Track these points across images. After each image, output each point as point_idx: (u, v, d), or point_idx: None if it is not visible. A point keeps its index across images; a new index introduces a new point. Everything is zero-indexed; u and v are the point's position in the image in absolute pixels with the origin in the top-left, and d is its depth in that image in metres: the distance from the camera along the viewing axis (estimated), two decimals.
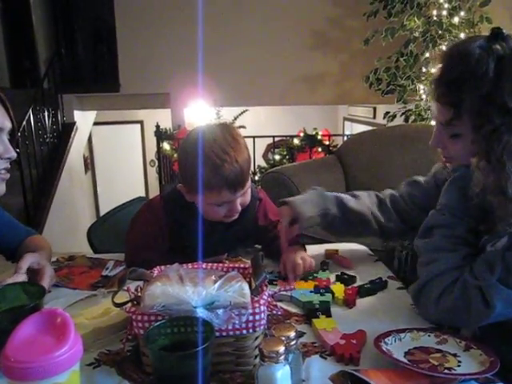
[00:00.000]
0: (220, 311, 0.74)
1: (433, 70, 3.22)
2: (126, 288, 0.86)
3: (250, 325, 0.77)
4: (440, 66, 0.98)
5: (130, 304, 0.82)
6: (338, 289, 1.08)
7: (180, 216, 1.22)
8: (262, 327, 0.79)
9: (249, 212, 1.25)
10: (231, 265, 0.98)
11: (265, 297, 0.80)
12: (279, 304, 1.02)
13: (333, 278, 1.17)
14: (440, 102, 0.96)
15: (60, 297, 1.11)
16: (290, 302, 1.06)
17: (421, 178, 1.25)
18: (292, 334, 0.71)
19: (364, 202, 1.27)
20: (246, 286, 0.77)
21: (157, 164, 5.73)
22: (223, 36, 4.89)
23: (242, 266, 0.97)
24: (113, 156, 7.71)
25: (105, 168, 7.75)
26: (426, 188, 1.22)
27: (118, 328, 0.92)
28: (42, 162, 4.53)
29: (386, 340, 0.85)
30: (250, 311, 0.76)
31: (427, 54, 3.22)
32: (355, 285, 1.12)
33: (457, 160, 1.01)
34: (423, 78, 3.26)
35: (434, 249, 0.96)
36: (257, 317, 0.77)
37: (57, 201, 4.55)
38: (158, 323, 0.72)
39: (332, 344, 0.85)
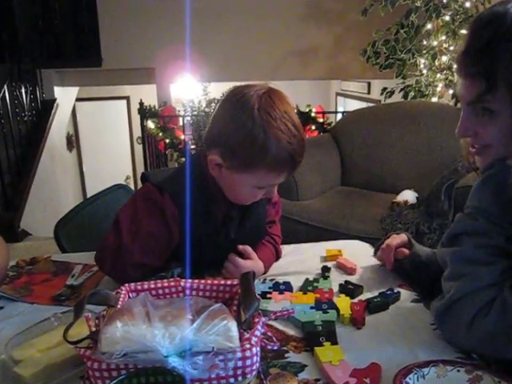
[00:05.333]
0: (199, 359, 0.57)
1: (435, 43, 3.01)
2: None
3: (239, 372, 0.60)
4: (467, 35, 0.78)
5: (87, 341, 0.65)
6: (343, 304, 0.92)
7: (195, 199, 0.96)
8: (253, 373, 0.62)
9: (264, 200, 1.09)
10: (215, 282, 0.80)
11: (258, 332, 0.63)
12: (274, 324, 0.85)
13: (335, 287, 1.01)
14: (468, 75, 0.77)
15: (14, 315, 0.94)
16: (287, 320, 0.89)
17: None
18: None
19: None
20: (233, 326, 0.59)
21: None
22: (211, 8, 4.60)
23: (228, 283, 0.80)
24: (98, 133, 7.46)
25: (90, 146, 7.51)
26: None
27: (78, 362, 0.74)
28: (21, 141, 4.29)
29: (408, 380, 0.69)
30: (239, 355, 0.59)
31: (429, 26, 2.99)
32: (362, 297, 0.96)
33: (493, 147, 0.80)
34: (424, 52, 3.05)
35: (465, 260, 0.79)
36: (247, 362, 0.60)
37: (37, 182, 4.33)
38: (116, 380, 0.54)
39: None
